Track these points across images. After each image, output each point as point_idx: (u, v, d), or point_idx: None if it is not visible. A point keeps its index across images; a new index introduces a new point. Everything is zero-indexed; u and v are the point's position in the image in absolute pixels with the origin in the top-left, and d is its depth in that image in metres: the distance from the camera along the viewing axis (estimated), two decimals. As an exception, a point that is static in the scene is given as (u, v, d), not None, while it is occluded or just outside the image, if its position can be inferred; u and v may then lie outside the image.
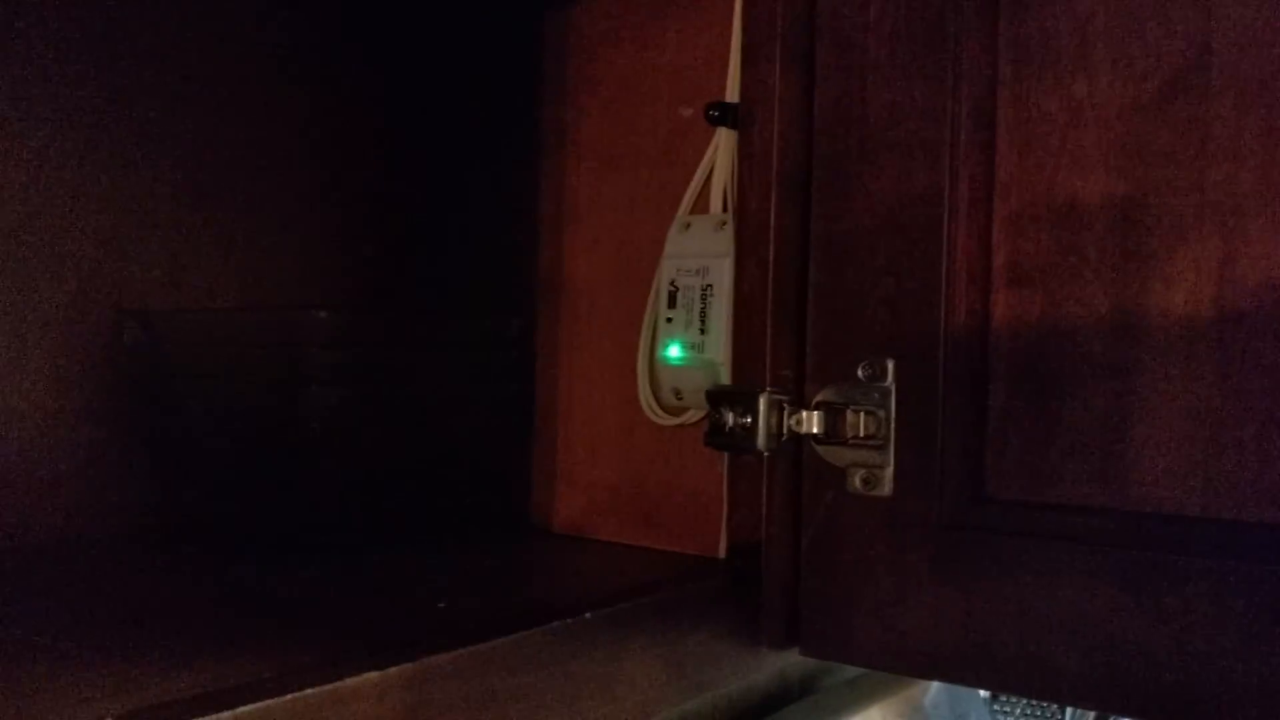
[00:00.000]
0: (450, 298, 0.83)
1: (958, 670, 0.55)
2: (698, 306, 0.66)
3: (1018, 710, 1.08)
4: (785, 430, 0.59)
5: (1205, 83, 0.50)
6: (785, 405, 0.59)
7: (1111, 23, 0.52)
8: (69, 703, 0.37)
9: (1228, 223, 0.49)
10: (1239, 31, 0.49)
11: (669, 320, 0.67)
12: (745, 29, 0.62)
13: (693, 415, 0.68)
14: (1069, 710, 1.02)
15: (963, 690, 0.99)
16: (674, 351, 0.67)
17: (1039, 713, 1.08)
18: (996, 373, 0.55)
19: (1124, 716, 0.66)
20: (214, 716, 0.34)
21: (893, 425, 0.57)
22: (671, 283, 0.67)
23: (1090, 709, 0.61)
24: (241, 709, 0.34)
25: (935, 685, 0.94)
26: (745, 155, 0.61)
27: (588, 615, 0.48)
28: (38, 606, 0.51)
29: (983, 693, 1.07)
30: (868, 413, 0.57)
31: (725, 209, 0.67)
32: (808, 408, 0.59)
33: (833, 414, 0.58)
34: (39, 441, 0.67)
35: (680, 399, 0.68)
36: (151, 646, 0.44)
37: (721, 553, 0.65)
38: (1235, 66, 0.49)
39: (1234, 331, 0.49)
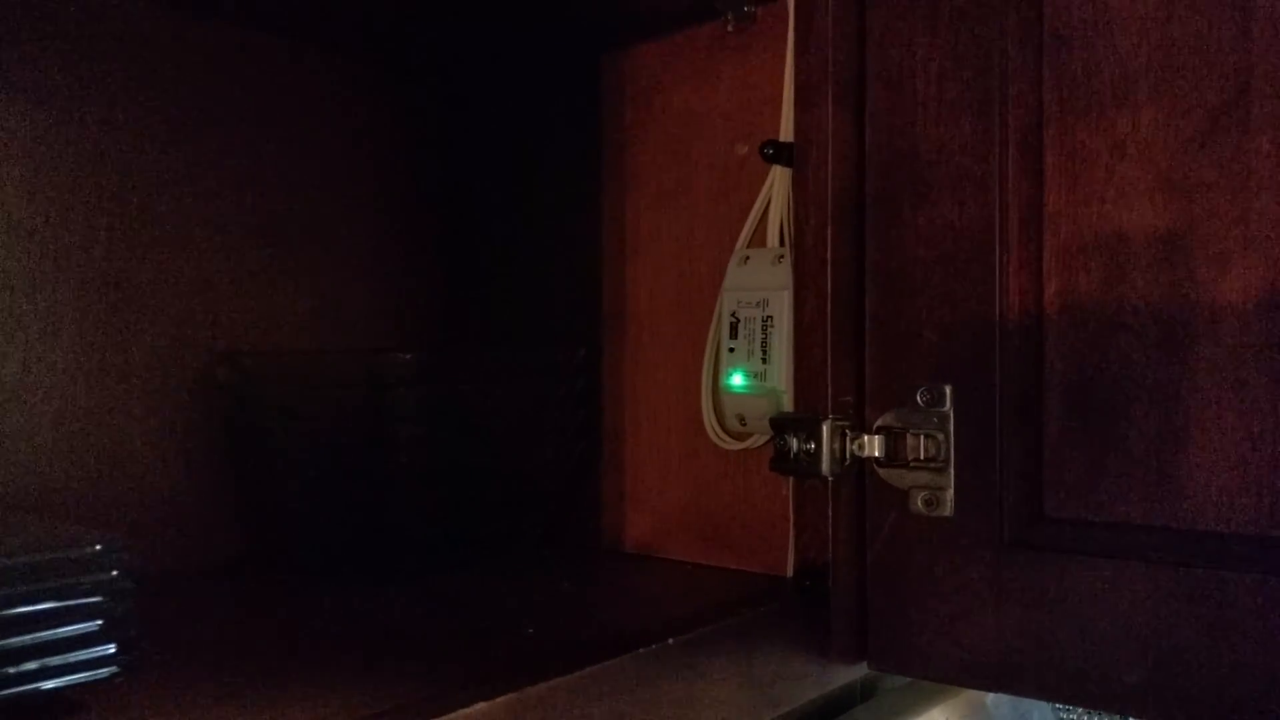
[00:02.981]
0: (518, 330, 0.87)
1: (1020, 682, 0.57)
2: (759, 337, 0.69)
3: (1079, 710, 1.10)
4: (848, 455, 0.62)
5: (1245, 118, 0.52)
6: (847, 430, 0.62)
7: (1152, 61, 0.54)
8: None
9: (1272, 251, 0.51)
10: (1276, 69, 0.51)
11: (731, 350, 0.70)
12: (798, 71, 0.64)
13: (756, 440, 0.71)
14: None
15: (1024, 691, 1.00)
16: (737, 380, 0.70)
17: (1107, 715, 1.09)
18: (1051, 396, 0.57)
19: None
20: (347, 749, 0.38)
21: (952, 448, 0.59)
22: (733, 314, 0.70)
23: (1150, 719, 0.63)
24: (371, 741, 0.38)
25: (997, 688, 0.95)
26: (801, 192, 0.64)
27: (670, 641, 0.52)
28: (156, 639, 0.55)
29: (1044, 694, 1.08)
30: (927, 436, 0.60)
31: (782, 243, 0.70)
32: (869, 432, 0.62)
33: (893, 438, 0.61)
34: (141, 478, 0.72)
35: (744, 425, 0.71)
36: (267, 678, 0.48)
37: (788, 571, 0.68)
38: (1274, 102, 0.51)
39: (1281, 354, 0.51)
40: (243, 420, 0.74)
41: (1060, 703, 0.63)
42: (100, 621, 0.43)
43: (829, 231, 0.63)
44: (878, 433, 0.61)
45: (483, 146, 0.90)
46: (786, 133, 0.68)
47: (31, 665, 0.41)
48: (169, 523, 0.73)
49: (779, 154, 0.67)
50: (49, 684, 0.41)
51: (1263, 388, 0.51)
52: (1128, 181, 0.55)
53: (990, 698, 0.98)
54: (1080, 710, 1.08)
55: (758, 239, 0.72)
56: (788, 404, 0.67)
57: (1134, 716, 0.59)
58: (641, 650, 0.50)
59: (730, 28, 0.73)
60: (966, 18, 0.59)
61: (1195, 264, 0.53)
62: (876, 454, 0.61)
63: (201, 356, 0.75)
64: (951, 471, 0.59)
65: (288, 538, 0.75)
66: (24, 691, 0.41)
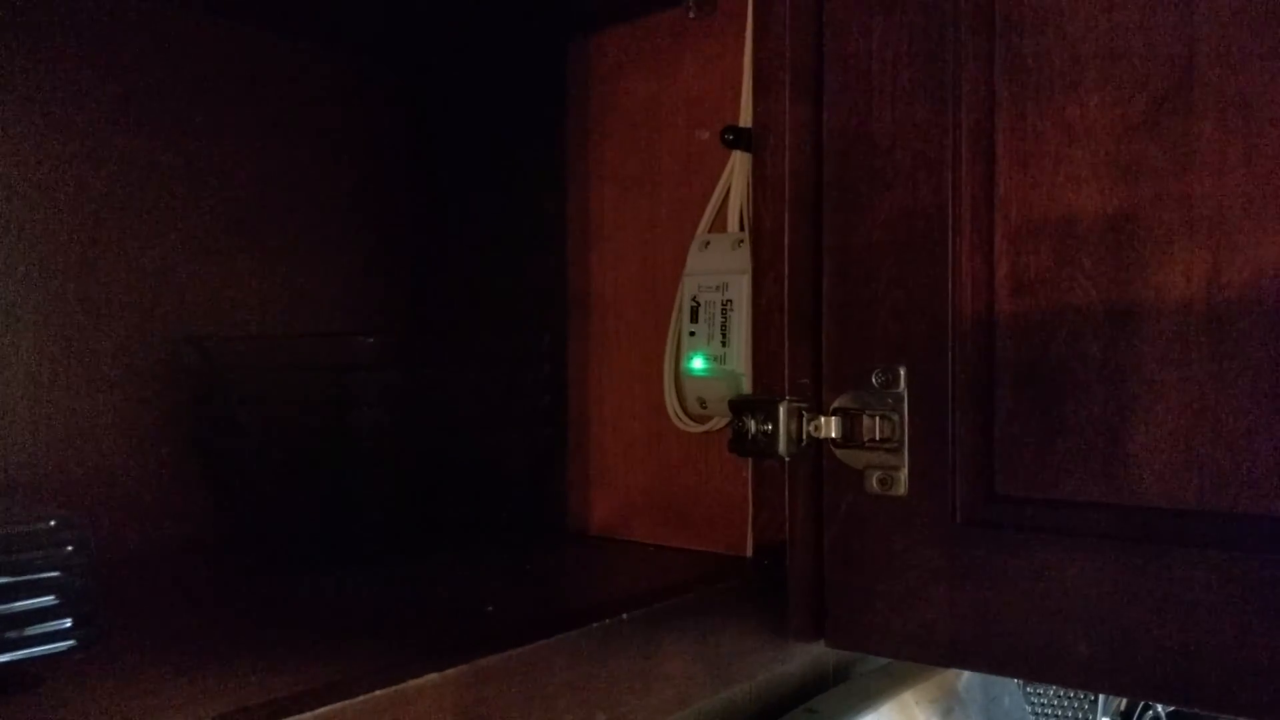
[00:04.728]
0: (484, 316, 0.88)
1: (974, 658, 0.58)
2: (719, 321, 0.70)
3: (1050, 691, 1.11)
4: (805, 436, 0.63)
5: (1189, 102, 0.53)
6: (804, 412, 0.63)
7: (1099, 45, 0.55)
8: (166, 707, 0.41)
9: (1215, 233, 0.52)
10: (1220, 53, 0.52)
11: (692, 334, 0.71)
12: (756, 57, 0.65)
13: (718, 423, 0.72)
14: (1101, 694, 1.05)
15: (994, 674, 1.01)
16: (698, 363, 0.71)
17: (1071, 694, 1.11)
18: (1002, 377, 0.58)
19: (1135, 699, 0.68)
20: (297, 717, 0.38)
21: (906, 428, 0.60)
22: (693, 298, 0.71)
23: (1101, 692, 0.65)
24: (320, 709, 0.39)
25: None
26: (759, 177, 0.65)
27: (624, 616, 0.52)
28: (119, 619, 0.55)
29: (1012, 676, 1.09)
30: (883, 417, 0.61)
31: (742, 228, 0.70)
32: (825, 414, 0.63)
33: (849, 419, 0.62)
34: (108, 462, 0.72)
35: (705, 408, 0.72)
36: (226, 654, 0.49)
37: (748, 551, 0.69)
38: (1217, 86, 0.52)
39: (1224, 334, 0.52)
40: (208, 404, 0.75)
41: (1012, 677, 0.64)
42: (55, 596, 0.43)
43: (786, 216, 0.63)
44: (834, 414, 0.62)
45: (449, 133, 0.91)
46: (746, 118, 0.69)
47: (-14, 638, 0.41)
48: (135, 505, 0.73)
49: (739, 139, 0.68)
50: (3, 657, 0.42)
51: (1204, 367, 0.52)
52: (1076, 165, 0.56)
53: (962, 680, 0.99)
54: (1050, 688, 1.10)
55: (718, 224, 0.73)
56: (747, 387, 0.68)
57: (1085, 690, 0.61)
58: (596, 625, 0.51)
59: (692, 14, 0.73)
60: (921, 4, 0.60)
61: (1141, 246, 0.54)
62: (833, 435, 0.62)
63: (167, 341, 0.75)
64: (906, 451, 0.60)
65: (253, 520, 0.76)
66: (-22, 664, 0.41)
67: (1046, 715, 1.10)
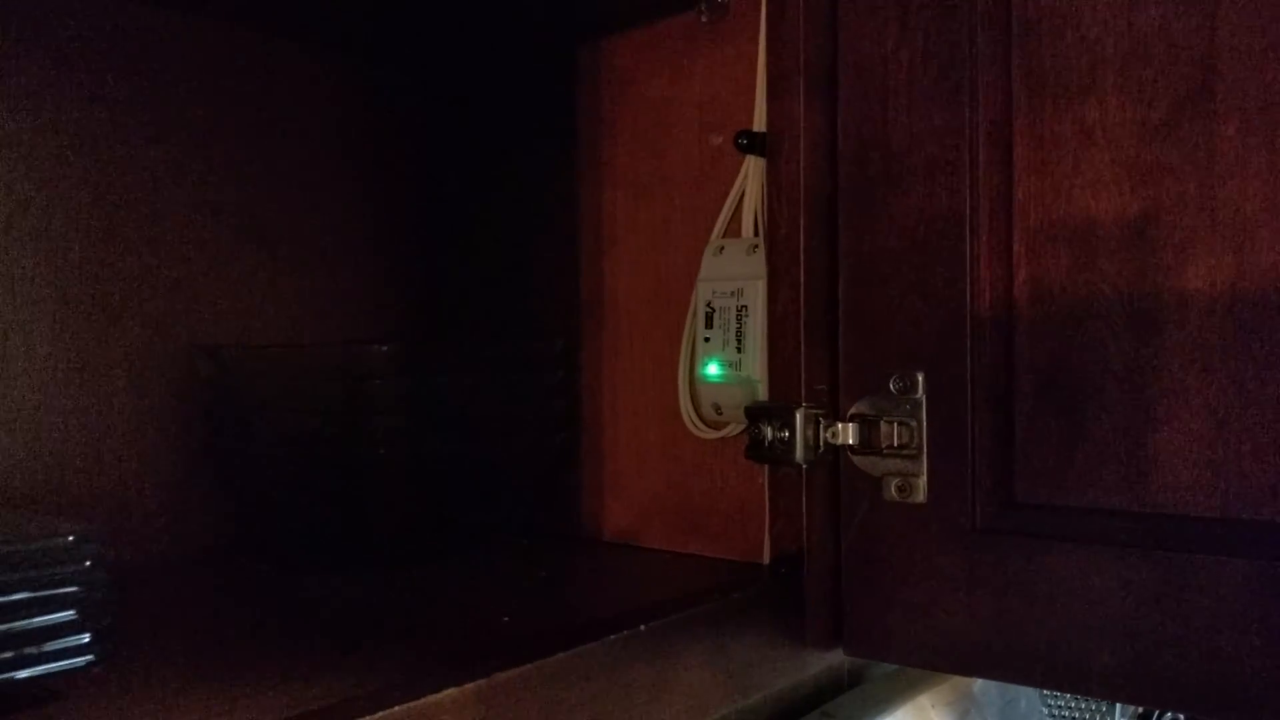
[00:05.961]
0: (497, 322, 0.87)
1: (992, 667, 0.58)
2: (734, 326, 0.69)
3: (1067, 695, 1.10)
4: (822, 442, 0.62)
5: (1211, 104, 0.52)
6: (821, 419, 0.63)
7: (1119, 48, 0.55)
8: (185, 723, 0.41)
9: (1237, 237, 0.52)
10: (1242, 54, 0.51)
11: (706, 340, 0.71)
12: (770, 61, 0.65)
13: (733, 429, 0.72)
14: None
15: (1008, 677, 1.01)
16: (713, 369, 0.70)
17: (1088, 699, 1.10)
18: (1022, 384, 0.58)
19: (1157, 709, 0.68)
20: (316, 734, 0.38)
21: (924, 435, 0.60)
22: (708, 304, 0.71)
23: (1122, 702, 0.64)
24: (340, 726, 0.39)
25: (980, 674, 0.96)
26: (774, 182, 0.64)
27: (642, 627, 0.52)
28: (132, 629, 0.55)
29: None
30: (900, 423, 0.60)
31: (756, 233, 0.70)
32: (843, 420, 0.62)
33: (867, 425, 0.61)
34: (122, 471, 0.72)
35: (720, 414, 0.71)
36: (244, 665, 0.49)
37: (764, 558, 0.68)
38: (1239, 88, 0.51)
39: (1247, 340, 0.51)
40: (223, 413, 0.74)
41: (1032, 686, 0.64)
42: (75, 611, 0.43)
43: (802, 221, 0.63)
44: (851, 420, 0.62)
45: (461, 139, 0.90)
46: (760, 123, 0.69)
47: (7, 654, 0.41)
48: (150, 514, 0.73)
49: (753, 144, 0.68)
50: (24, 673, 0.42)
51: (1227, 372, 0.52)
52: (1095, 169, 0.55)
53: (977, 685, 0.99)
54: (1067, 695, 1.09)
55: (733, 229, 0.72)
56: (763, 393, 0.68)
57: (1105, 699, 0.60)
58: (613, 636, 0.50)
59: (704, 18, 0.73)
60: (937, 6, 0.59)
61: (1162, 250, 0.54)
62: (850, 441, 0.62)
63: (182, 350, 0.75)
64: (924, 458, 0.60)
65: (267, 529, 0.76)
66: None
67: (1063, 719, 1.09)
